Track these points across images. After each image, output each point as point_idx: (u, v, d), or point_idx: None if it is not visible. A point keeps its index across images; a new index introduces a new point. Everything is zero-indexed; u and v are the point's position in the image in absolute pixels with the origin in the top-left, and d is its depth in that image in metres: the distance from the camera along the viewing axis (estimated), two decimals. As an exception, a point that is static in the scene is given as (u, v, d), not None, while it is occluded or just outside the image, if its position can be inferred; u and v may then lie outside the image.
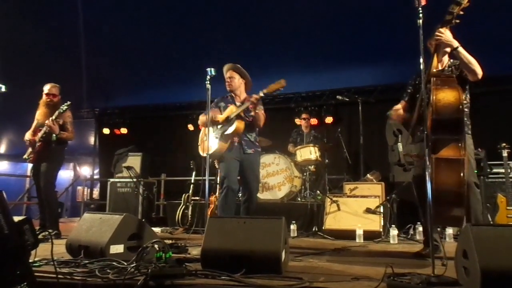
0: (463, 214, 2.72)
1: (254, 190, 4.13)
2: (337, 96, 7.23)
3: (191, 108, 8.60)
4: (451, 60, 3.35)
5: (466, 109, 3.21)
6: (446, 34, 2.99)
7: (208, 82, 3.78)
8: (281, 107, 8.68)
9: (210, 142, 4.03)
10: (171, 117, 9.24)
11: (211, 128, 4.19)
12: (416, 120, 3.24)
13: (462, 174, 2.65)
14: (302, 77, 7.98)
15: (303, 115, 7.30)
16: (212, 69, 3.81)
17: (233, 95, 4.28)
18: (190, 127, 8.59)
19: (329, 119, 8.11)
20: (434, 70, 3.11)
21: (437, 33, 3.00)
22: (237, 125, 4.01)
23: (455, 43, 3.02)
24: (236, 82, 4.23)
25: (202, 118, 4.39)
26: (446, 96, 2.79)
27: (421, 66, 2.65)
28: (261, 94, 3.88)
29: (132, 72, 8.22)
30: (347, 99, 7.16)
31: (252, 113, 4.06)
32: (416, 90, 3.41)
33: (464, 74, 3.14)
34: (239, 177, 4.14)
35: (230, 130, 4.02)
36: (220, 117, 4.18)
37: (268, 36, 6.98)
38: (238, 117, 4.04)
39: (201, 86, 3.89)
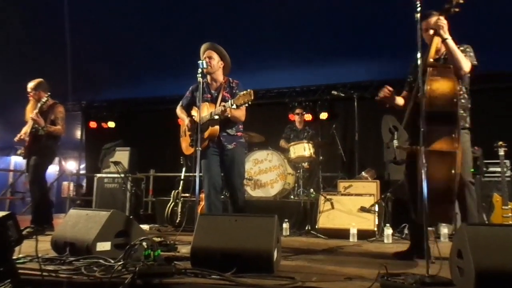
0: (452, 210, 2.73)
1: (237, 188, 3.95)
2: (332, 91, 7.25)
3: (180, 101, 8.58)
4: None
5: (463, 100, 3.20)
6: (443, 22, 2.98)
7: (200, 75, 3.76)
8: (275, 102, 8.68)
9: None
10: (161, 111, 9.19)
11: (187, 129, 4.16)
12: (411, 110, 3.22)
13: (453, 168, 2.65)
14: (296, 72, 8.00)
15: (297, 110, 7.31)
16: (204, 62, 3.80)
17: (208, 80, 4.11)
18: (180, 121, 8.57)
19: (323, 115, 8.14)
20: (431, 60, 3.09)
21: (437, 21, 2.99)
22: (210, 130, 3.87)
23: (444, 35, 3.02)
24: (215, 63, 4.00)
25: (179, 113, 4.30)
26: (440, 86, 2.80)
27: (419, 62, 2.68)
28: (234, 107, 3.62)
29: (121, 64, 8.17)
30: (343, 95, 7.19)
31: (228, 115, 3.78)
32: (416, 79, 3.33)
33: None
34: (222, 174, 4.05)
35: (203, 135, 3.86)
36: (188, 122, 4.09)
37: (262, 30, 6.97)
38: (210, 122, 3.87)
39: (192, 79, 3.88)
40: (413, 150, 3.14)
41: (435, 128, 2.73)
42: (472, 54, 3.17)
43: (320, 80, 8.17)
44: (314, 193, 6.31)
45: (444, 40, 3.03)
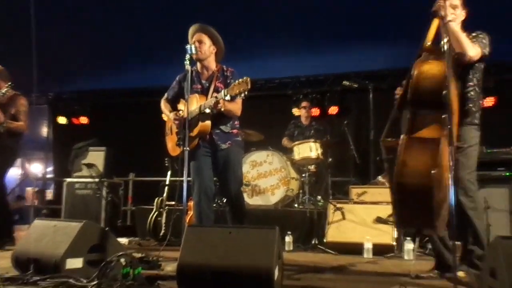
0: (432, 216, 2.66)
1: (234, 193, 3.96)
2: (344, 82, 7.26)
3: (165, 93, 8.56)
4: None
5: (472, 93, 3.24)
6: (446, 3, 3.02)
7: (188, 62, 3.76)
8: (276, 94, 8.69)
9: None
10: (142, 104, 9.20)
11: (173, 127, 4.17)
12: (400, 99, 3.28)
13: (435, 160, 2.62)
14: (301, 58, 7.99)
15: (303, 104, 7.32)
16: (193, 46, 3.80)
17: (198, 68, 4.12)
18: (165, 117, 8.56)
19: (333, 109, 8.15)
20: (428, 44, 3.14)
21: (438, 1, 3.03)
22: (200, 127, 3.85)
23: (446, 16, 3.03)
24: (206, 48, 3.98)
25: (163, 108, 4.30)
26: (430, 68, 2.87)
27: (445, 47, 2.70)
28: (227, 98, 3.62)
29: (95, 48, 8.15)
30: (356, 85, 7.19)
31: (221, 108, 3.75)
32: None
33: None
34: (215, 178, 4.06)
35: (192, 133, 3.84)
36: (172, 117, 4.09)
37: (261, 9, 6.95)
38: (200, 116, 3.86)
39: (180, 67, 3.88)
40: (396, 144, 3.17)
41: (422, 114, 2.77)
42: (485, 41, 3.19)
43: (329, 68, 8.17)
44: (321, 201, 6.30)
45: (445, 23, 3.04)
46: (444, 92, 2.75)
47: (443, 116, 2.74)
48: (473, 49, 3.09)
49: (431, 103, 2.78)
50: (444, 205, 2.71)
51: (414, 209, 2.66)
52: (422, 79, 2.88)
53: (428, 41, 3.12)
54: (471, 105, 3.23)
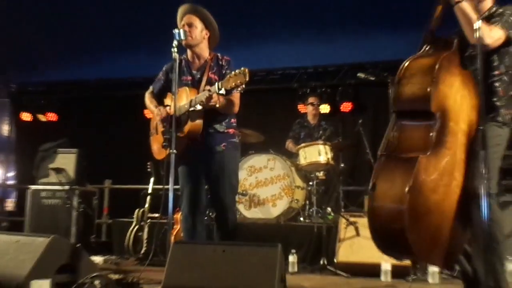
0: (416, 246, 2.61)
1: (227, 205, 3.96)
2: (358, 74, 7.27)
3: (149, 86, 8.54)
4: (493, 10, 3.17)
5: (497, 84, 3.08)
6: None
7: (176, 49, 3.76)
8: (279, 87, 8.69)
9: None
10: (121, 99, 9.21)
11: (159, 125, 4.19)
12: None
13: (407, 182, 2.59)
14: (309, 46, 8.00)
15: (310, 100, 7.33)
16: (181, 31, 3.80)
17: (188, 56, 4.14)
18: (150, 114, 8.57)
19: (346, 106, 8.16)
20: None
21: None
22: (190, 125, 3.86)
23: None
24: (197, 33, 3.99)
25: (148, 103, 4.32)
26: (420, 68, 2.85)
27: (476, 34, 2.70)
28: (222, 92, 3.61)
29: (66, 33, 8.15)
30: (372, 78, 7.20)
31: (215, 104, 3.76)
32: None
33: None
34: (207, 186, 4.07)
35: (181, 133, 3.85)
36: (156, 113, 4.11)
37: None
38: (191, 113, 3.86)
39: (168, 56, 3.88)
40: None
41: (407, 127, 2.79)
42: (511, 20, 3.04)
43: (342, 57, 8.18)
44: (332, 214, 6.31)
45: (454, 4, 2.97)
46: (428, 89, 2.71)
47: (430, 134, 2.70)
48: (490, 36, 2.93)
49: (418, 113, 2.76)
50: (439, 233, 2.68)
51: (391, 240, 2.64)
52: (405, 84, 2.84)
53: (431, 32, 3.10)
54: (495, 99, 3.06)
